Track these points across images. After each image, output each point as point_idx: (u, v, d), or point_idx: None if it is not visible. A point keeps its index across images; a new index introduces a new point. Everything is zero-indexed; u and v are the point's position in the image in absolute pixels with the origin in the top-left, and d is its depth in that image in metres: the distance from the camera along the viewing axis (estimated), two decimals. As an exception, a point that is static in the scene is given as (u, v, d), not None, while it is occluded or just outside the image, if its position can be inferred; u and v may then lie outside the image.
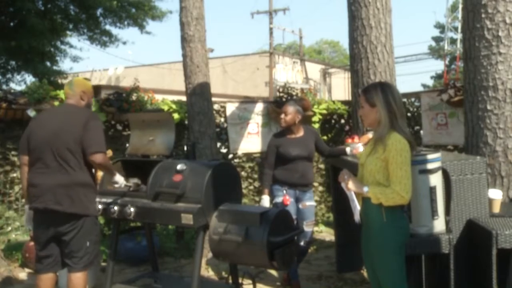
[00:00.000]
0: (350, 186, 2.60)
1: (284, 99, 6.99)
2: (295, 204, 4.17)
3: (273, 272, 4.64)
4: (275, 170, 4.20)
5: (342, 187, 2.66)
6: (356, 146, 3.93)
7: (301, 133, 4.26)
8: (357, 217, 2.64)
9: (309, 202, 4.23)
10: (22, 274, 4.63)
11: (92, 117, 3.32)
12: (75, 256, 3.23)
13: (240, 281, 3.85)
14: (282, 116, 4.21)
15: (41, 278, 3.30)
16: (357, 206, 2.62)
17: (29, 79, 13.97)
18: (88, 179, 3.26)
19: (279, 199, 4.13)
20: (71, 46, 15.53)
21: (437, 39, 33.31)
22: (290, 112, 4.17)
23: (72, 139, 3.16)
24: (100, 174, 3.96)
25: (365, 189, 2.54)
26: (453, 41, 25.09)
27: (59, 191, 3.16)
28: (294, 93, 7.12)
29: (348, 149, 3.97)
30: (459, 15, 20.07)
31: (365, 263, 2.81)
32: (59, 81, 13.26)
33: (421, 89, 27.02)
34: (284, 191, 4.14)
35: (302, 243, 4.17)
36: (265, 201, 4.12)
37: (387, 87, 2.62)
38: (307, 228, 4.17)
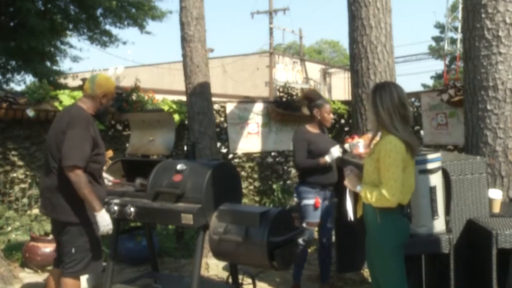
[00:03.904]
0: (346, 182, 2.64)
1: (284, 99, 7.01)
2: (322, 205, 4.07)
3: (273, 272, 4.63)
4: (307, 170, 3.99)
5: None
6: (356, 145, 3.93)
7: (319, 129, 4.14)
8: (349, 214, 2.68)
9: (334, 199, 4.13)
10: (22, 274, 4.63)
11: (73, 124, 3.06)
12: (63, 260, 3.18)
13: (240, 281, 3.85)
14: (330, 115, 4.10)
15: (50, 271, 3.41)
16: (349, 204, 2.65)
17: (29, 79, 13.98)
18: (72, 186, 2.99)
19: (310, 201, 3.97)
20: (71, 46, 15.55)
21: (437, 39, 33.29)
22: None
23: (54, 144, 3.10)
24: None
25: (358, 188, 2.56)
26: (453, 41, 25.07)
27: (45, 194, 3.18)
28: (294, 93, 7.13)
29: (347, 145, 3.95)
30: (459, 15, 20.07)
31: (367, 263, 2.81)
32: (59, 81, 13.28)
33: (421, 89, 27.01)
34: (316, 193, 3.99)
35: (324, 240, 4.14)
36: (335, 150, 3.90)
37: (379, 88, 2.57)
38: (330, 225, 4.13)
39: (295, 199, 4.13)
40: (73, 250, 3.13)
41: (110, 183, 3.65)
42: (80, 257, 3.14)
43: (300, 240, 4.05)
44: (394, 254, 2.52)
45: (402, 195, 2.45)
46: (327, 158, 3.90)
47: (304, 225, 3.98)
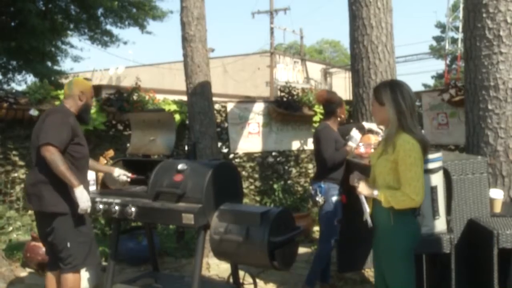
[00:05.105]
0: (361, 189, 2.55)
1: (285, 99, 7.01)
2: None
3: (274, 271, 4.63)
4: (332, 166, 3.97)
5: (353, 189, 2.64)
6: (357, 145, 3.94)
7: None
8: (368, 220, 2.60)
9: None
10: (23, 274, 4.63)
11: (53, 111, 3.21)
12: (60, 257, 3.18)
13: (241, 280, 3.85)
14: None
15: (46, 276, 3.39)
16: (367, 209, 2.59)
17: (30, 79, 14.01)
18: (56, 176, 3.04)
19: (339, 197, 3.97)
20: (72, 46, 15.58)
21: (438, 39, 33.30)
22: None
23: (37, 138, 3.14)
24: (100, 174, 3.97)
25: (375, 192, 2.48)
26: (454, 41, 25.06)
27: (29, 189, 3.22)
28: (295, 93, 7.13)
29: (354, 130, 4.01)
30: (460, 15, 20.06)
31: (374, 265, 2.78)
32: (60, 81, 13.30)
33: (422, 89, 26.98)
34: (339, 189, 3.99)
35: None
36: (355, 133, 3.98)
37: (397, 85, 2.53)
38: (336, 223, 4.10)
39: (321, 197, 3.99)
40: (68, 245, 3.13)
41: (128, 179, 3.69)
42: (77, 250, 3.15)
43: (332, 241, 4.04)
44: (405, 257, 2.49)
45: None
46: (352, 144, 3.96)
47: (335, 223, 3.98)
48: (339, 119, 4.17)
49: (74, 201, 3.10)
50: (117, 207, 3.41)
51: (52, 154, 3.00)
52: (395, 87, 2.52)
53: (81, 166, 3.24)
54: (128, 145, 4.45)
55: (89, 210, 3.17)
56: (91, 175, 3.74)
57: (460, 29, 20.04)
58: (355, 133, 3.98)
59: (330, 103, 4.14)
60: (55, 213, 3.11)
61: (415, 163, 2.39)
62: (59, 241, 3.15)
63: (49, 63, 14.19)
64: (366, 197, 2.58)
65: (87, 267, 3.46)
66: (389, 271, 2.54)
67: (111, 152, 4.95)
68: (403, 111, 2.46)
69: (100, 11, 14.56)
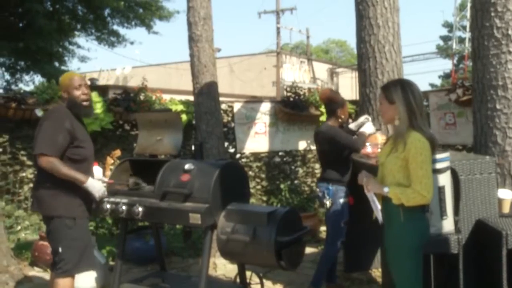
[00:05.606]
0: (370, 187, 2.57)
1: (291, 99, 7.00)
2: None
3: (281, 271, 4.63)
4: (339, 168, 3.99)
5: (361, 188, 2.65)
6: (369, 129, 3.98)
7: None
8: (379, 217, 2.61)
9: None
10: (32, 273, 4.67)
11: (50, 115, 3.19)
12: (53, 261, 3.19)
13: (248, 280, 3.85)
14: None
15: (50, 276, 3.40)
16: (378, 207, 2.59)
17: (38, 79, 14.11)
18: (53, 179, 3.05)
19: (346, 199, 3.97)
20: (79, 46, 15.67)
21: (445, 38, 33.16)
22: None
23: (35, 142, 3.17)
24: (108, 174, 3.99)
25: (386, 189, 2.50)
26: (461, 40, 24.94)
27: (32, 192, 3.28)
28: (301, 93, 7.13)
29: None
30: (468, 14, 19.95)
31: (382, 262, 2.78)
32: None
33: (429, 88, 26.88)
34: (346, 192, 3.99)
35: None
36: (369, 126, 4.06)
37: (407, 84, 2.56)
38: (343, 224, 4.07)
39: (329, 200, 3.98)
40: (60, 249, 3.11)
41: (104, 184, 3.66)
42: (68, 256, 3.11)
43: (339, 243, 4.04)
44: (413, 254, 2.50)
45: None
46: (366, 130, 4.01)
47: (342, 224, 3.97)
48: (339, 120, 4.13)
49: (71, 205, 3.11)
50: (124, 207, 3.42)
51: (49, 163, 3.02)
52: (405, 86, 2.54)
53: (83, 169, 3.20)
54: (135, 145, 4.46)
55: (106, 193, 3.27)
56: (98, 174, 3.72)
57: (468, 28, 19.94)
58: (369, 124, 4.05)
59: (332, 102, 4.12)
60: (51, 215, 3.12)
61: (425, 160, 2.42)
62: (53, 244, 3.16)
63: (57, 63, 14.28)
64: (375, 195, 2.58)
65: (80, 273, 3.34)
66: (396, 268, 2.55)
67: (118, 152, 4.97)
68: (414, 109, 2.49)
69: (107, 11, 14.63)
